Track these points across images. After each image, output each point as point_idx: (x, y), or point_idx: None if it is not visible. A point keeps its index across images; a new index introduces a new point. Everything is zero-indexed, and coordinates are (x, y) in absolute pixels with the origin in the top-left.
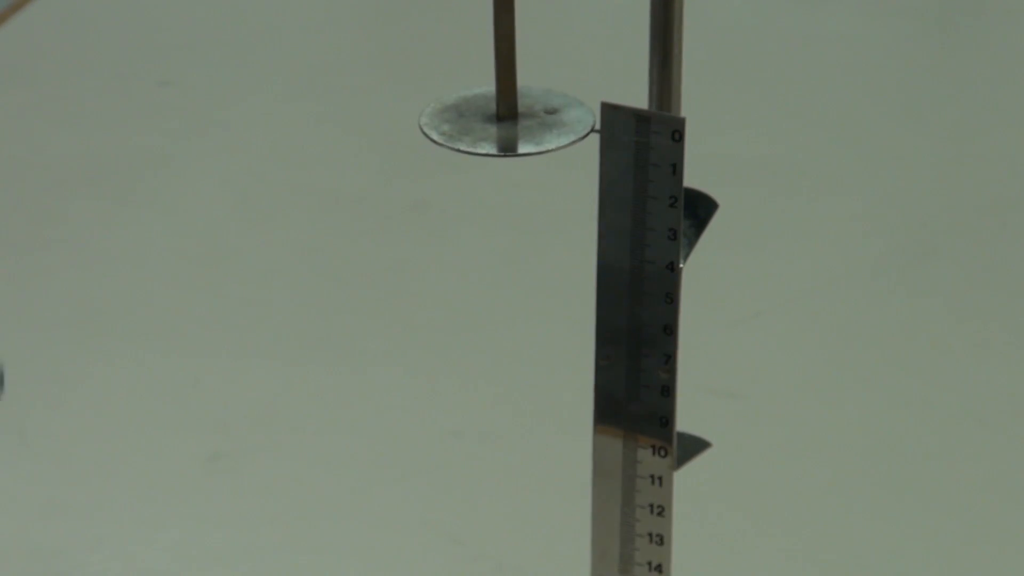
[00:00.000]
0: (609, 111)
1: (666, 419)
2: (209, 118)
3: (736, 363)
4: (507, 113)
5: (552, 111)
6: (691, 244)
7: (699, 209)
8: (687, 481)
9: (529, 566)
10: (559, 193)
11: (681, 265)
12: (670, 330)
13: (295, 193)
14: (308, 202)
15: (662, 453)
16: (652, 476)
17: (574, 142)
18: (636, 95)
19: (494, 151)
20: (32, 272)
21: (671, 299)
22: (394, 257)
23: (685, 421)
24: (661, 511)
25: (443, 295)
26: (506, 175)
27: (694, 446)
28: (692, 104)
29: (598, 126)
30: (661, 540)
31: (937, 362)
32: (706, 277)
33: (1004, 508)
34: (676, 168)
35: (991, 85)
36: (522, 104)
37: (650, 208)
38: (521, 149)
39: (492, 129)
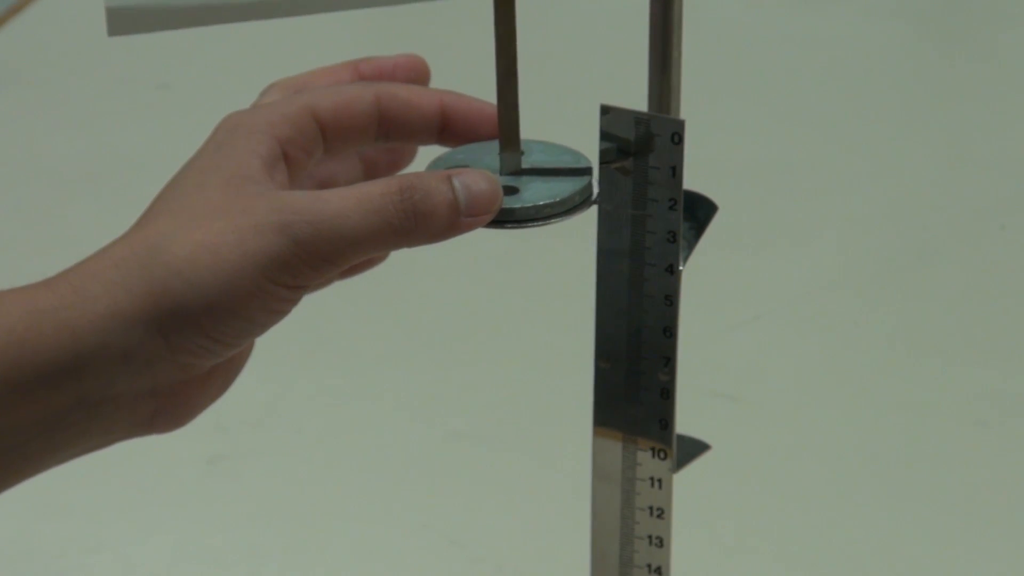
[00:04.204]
0: (609, 113)
1: (666, 421)
2: (207, 121)
3: (736, 365)
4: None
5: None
6: (691, 246)
7: (699, 211)
8: (687, 483)
9: (528, 568)
10: None
11: (681, 267)
12: (670, 332)
13: None
14: None
15: (662, 455)
16: (652, 478)
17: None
18: (635, 97)
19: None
20: (31, 274)
21: (671, 301)
22: (393, 257)
23: (685, 423)
24: (661, 513)
25: (443, 296)
26: None
27: (694, 448)
28: (691, 106)
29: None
30: (661, 542)
31: (937, 364)
32: (706, 279)
33: (1004, 509)
34: (676, 170)
35: (990, 87)
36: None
37: (650, 210)
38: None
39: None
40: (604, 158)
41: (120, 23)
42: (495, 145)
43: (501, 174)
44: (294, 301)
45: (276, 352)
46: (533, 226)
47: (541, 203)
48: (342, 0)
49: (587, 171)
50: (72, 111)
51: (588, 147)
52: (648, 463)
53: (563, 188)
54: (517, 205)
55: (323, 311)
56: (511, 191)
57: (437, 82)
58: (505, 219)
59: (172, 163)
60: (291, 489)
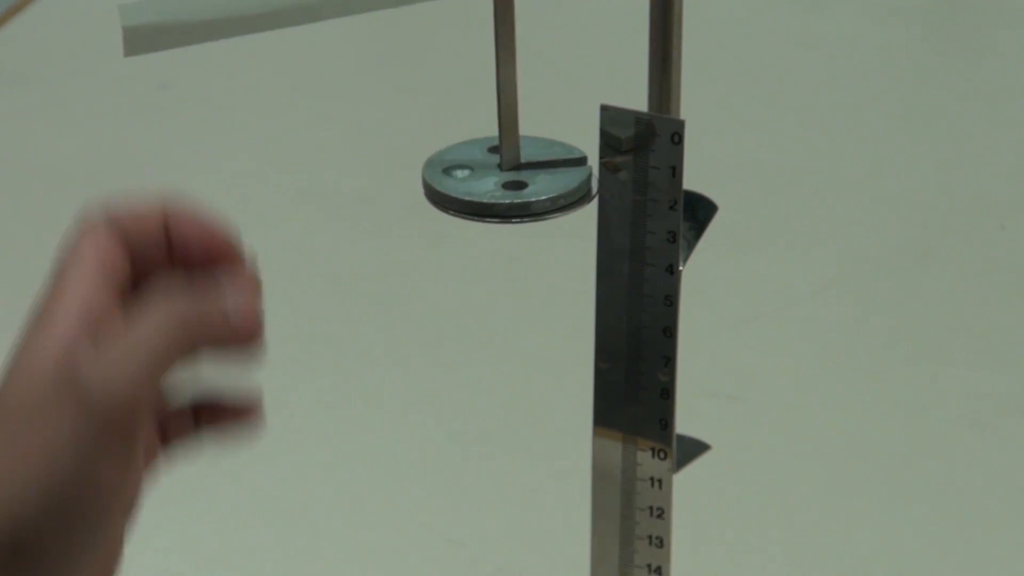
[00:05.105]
0: (608, 113)
1: (666, 421)
2: (207, 121)
3: (736, 365)
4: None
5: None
6: (691, 246)
7: (698, 211)
8: (687, 484)
9: (528, 568)
10: None
11: (681, 267)
12: (670, 332)
13: (293, 195)
14: (307, 204)
15: (662, 455)
16: (652, 478)
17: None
18: (635, 97)
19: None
20: (32, 274)
21: (671, 301)
22: (393, 258)
23: (684, 423)
24: (661, 513)
25: (442, 296)
26: None
27: (693, 448)
28: (691, 106)
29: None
30: (661, 543)
31: (936, 364)
32: (706, 279)
33: (1004, 509)
34: (676, 170)
35: (989, 87)
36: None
37: (650, 210)
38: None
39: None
40: (604, 158)
41: (137, 42)
42: (486, 142)
43: (502, 169)
44: (144, 466)
45: (276, 352)
46: (551, 218)
47: (555, 195)
48: (349, 6)
49: (583, 160)
50: (72, 111)
51: (587, 146)
52: (648, 463)
53: (570, 179)
54: (532, 199)
55: (323, 312)
56: (520, 186)
57: (437, 81)
58: (523, 214)
59: (172, 163)
60: (291, 489)
